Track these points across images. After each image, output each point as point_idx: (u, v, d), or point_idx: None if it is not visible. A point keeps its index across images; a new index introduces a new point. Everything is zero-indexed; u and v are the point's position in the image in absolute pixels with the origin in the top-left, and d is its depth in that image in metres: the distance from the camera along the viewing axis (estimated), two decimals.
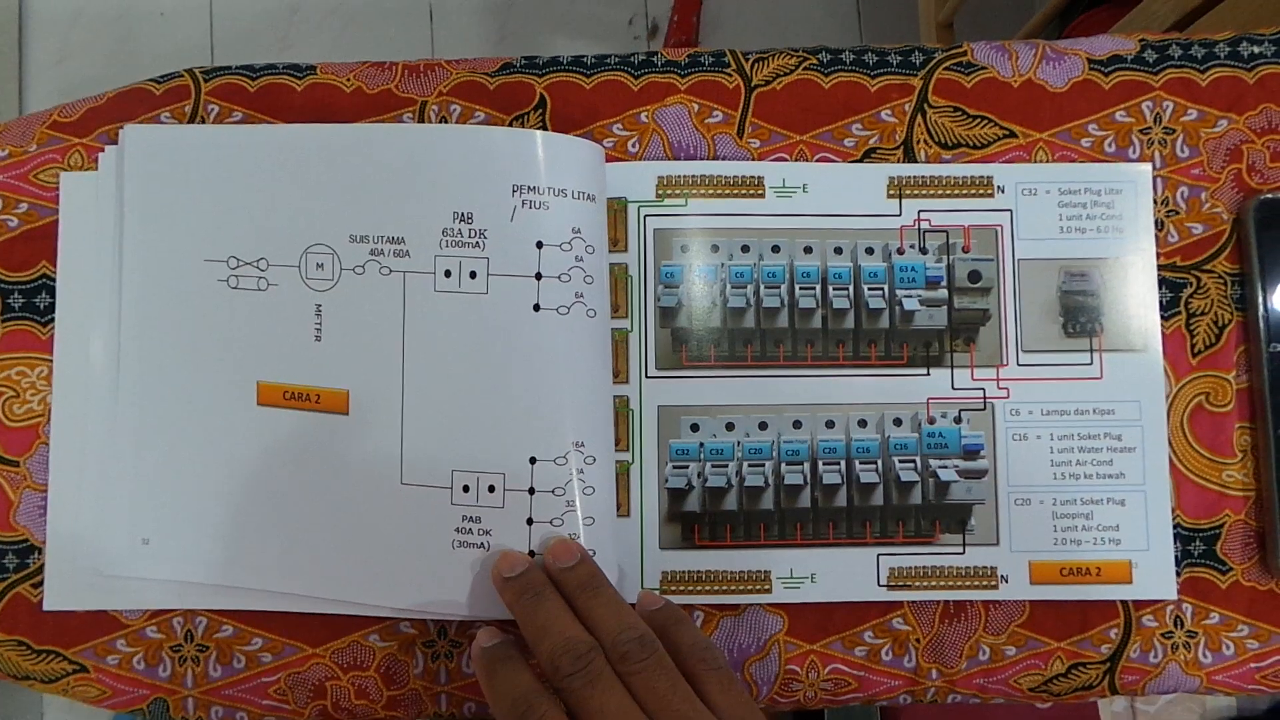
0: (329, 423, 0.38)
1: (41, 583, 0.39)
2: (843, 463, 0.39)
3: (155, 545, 0.38)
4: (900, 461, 0.39)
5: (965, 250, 0.39)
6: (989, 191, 0.40)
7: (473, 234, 0.37)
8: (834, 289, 0.39)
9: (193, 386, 0.39)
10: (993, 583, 0.38)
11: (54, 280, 0.40)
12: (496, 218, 0.37)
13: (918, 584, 0.38)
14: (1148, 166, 0.40)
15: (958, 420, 0.39)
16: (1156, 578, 0.38)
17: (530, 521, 0.37)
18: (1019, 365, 0.39)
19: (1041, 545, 0.38)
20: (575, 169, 0.38)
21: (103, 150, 0.40)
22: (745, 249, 0.39)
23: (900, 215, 0.39)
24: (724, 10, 1.29)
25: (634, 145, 0.40)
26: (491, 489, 0.37)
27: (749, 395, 0.39)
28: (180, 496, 0.38)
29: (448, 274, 0.38)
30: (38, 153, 0.40)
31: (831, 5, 1.29)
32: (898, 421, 0.39)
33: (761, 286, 0.39)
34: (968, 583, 0.38)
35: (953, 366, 0.39)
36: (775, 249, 0.39)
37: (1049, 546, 0.38)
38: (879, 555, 0.38)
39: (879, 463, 0.39)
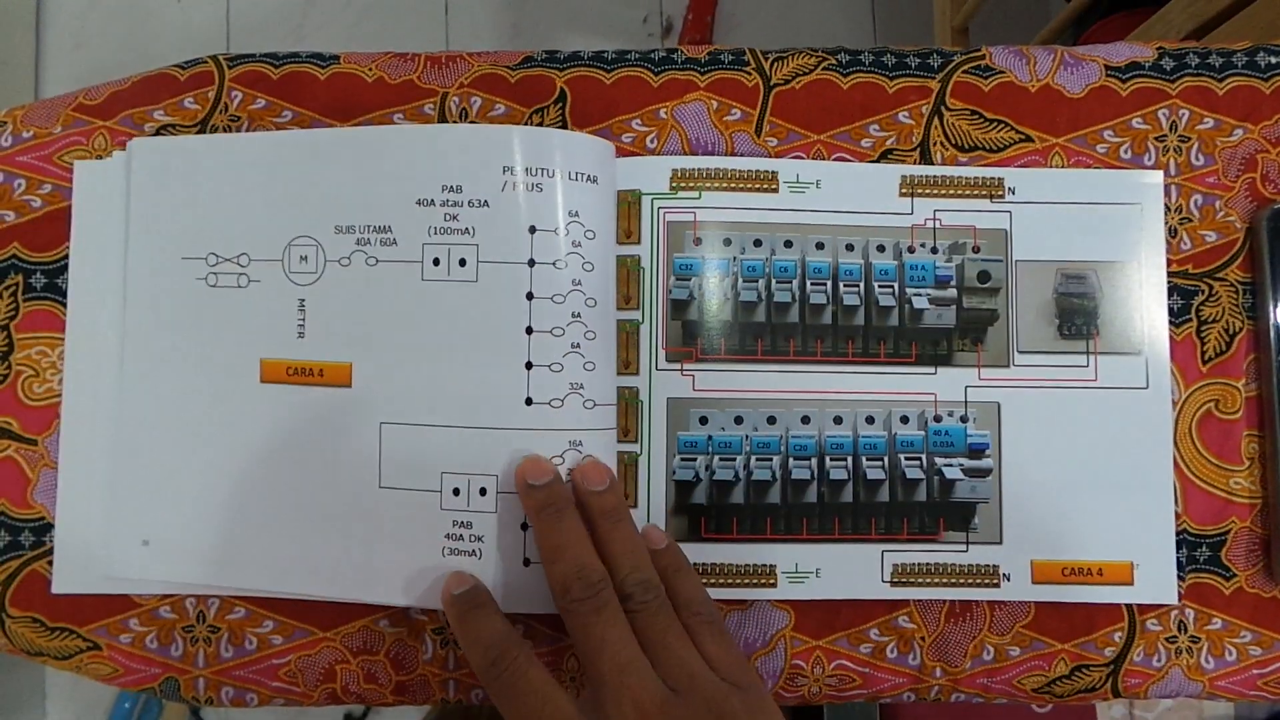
0: (331, 399, 0.37)
1: None
2: (850, 459, 0.39)
3: (154, 547, 0.38)
4: (906, 459, 0.39)
5: (975, 251, 0.40)
6: (1000, 193, 0.40)
7: (462, 216, 0.37)
8: (845, 285, 0.39)
9: (187, 380, 0.38)
10: (994, 581, 0.39)
11: None
12: (486, 197, 0.37)
13: (921, 581, 0.39)
14: (1160, 174, 0.40)
15: (964, 419, 0.39)
16: (1158, 581, 0.38)
17: (525, 527, 0.36)
18: (1016, 366, 0.39)
19: (1043, 544, 0.39)
20: (572, 152, 0.37)
21: (128, 134, 0.40)
22: (758, 243, 0.39)
23: (912, 214, 0.40)
24: (739, 10, 1.29)
25: (652, 141, 0.40)
26: (483, 492, 0.36)
27: (758, 389, 0.39)
28: (180, 494, 0.38)
29: (436, 262, 0.37)
30: (62, 134, 0.41)
31: (847, 8, 1.30)
32: (905, 419, 0.39)
33: (773, 281, 0.39)
34: (970, 580, 0.39)
35: (961, 366, 0.39)
36: (788, 244, 0.39)
37: (1050, 546, 0.38)
38: (883, 551, 0.39)
39: (885, 459, 0.39)
